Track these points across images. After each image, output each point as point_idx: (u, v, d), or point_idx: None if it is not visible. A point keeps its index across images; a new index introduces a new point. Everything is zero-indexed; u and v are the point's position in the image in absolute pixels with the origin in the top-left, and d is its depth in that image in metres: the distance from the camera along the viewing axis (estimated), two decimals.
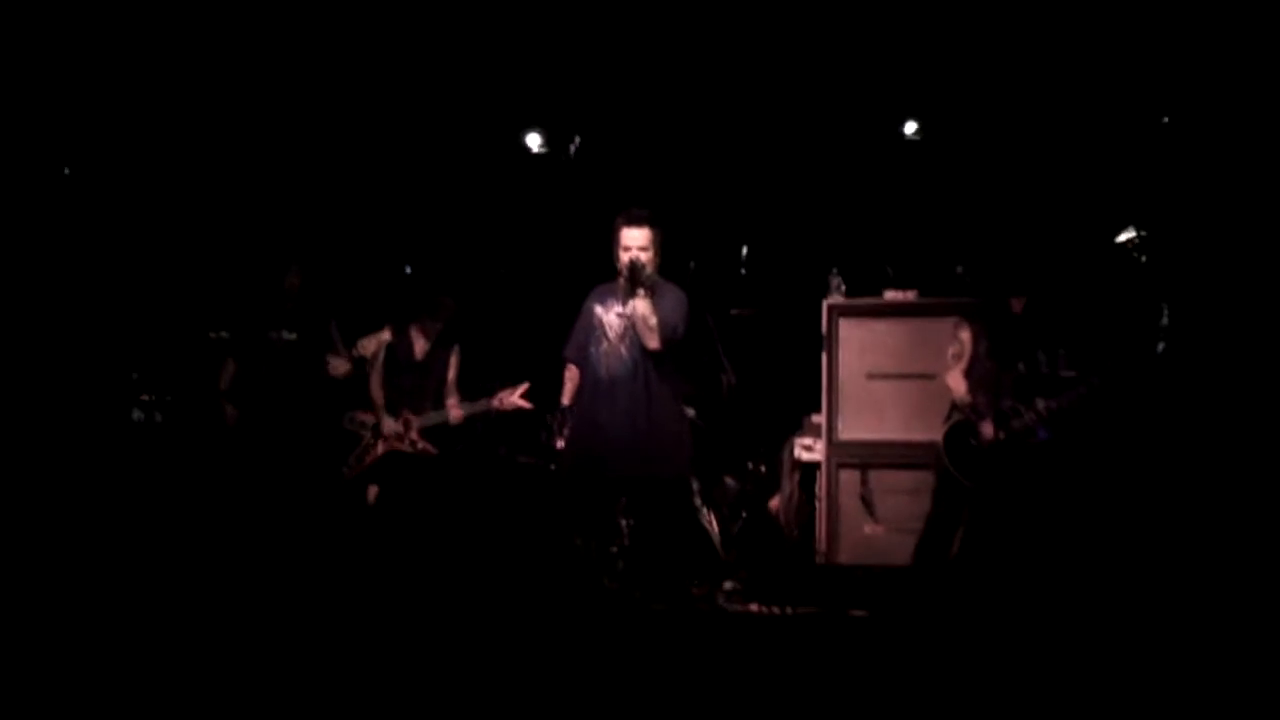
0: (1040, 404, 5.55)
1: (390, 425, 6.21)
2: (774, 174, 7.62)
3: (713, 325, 6.41)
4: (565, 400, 5.47)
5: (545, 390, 6.14)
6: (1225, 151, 6.68)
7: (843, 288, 6.62)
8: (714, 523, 6.44)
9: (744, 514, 6.66)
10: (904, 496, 6.21)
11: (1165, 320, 6.37)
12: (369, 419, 6.29)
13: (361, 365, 6.25)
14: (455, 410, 6.23)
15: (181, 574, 5.44)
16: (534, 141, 7.80)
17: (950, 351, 5.79)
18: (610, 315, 5.29)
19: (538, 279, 7.69)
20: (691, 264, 6.19)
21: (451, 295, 6.47)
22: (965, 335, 5.75)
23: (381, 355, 6.35)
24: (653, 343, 5.15)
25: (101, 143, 7.24)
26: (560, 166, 7.69)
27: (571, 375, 5.45)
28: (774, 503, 6.80)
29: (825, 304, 6.57)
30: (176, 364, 7.01)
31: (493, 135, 7.81)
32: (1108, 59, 6.71)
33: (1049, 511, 5.64)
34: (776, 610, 5.74)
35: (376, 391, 6.31)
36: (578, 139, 7.48)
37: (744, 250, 7.26)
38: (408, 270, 8.19)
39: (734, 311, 7.06)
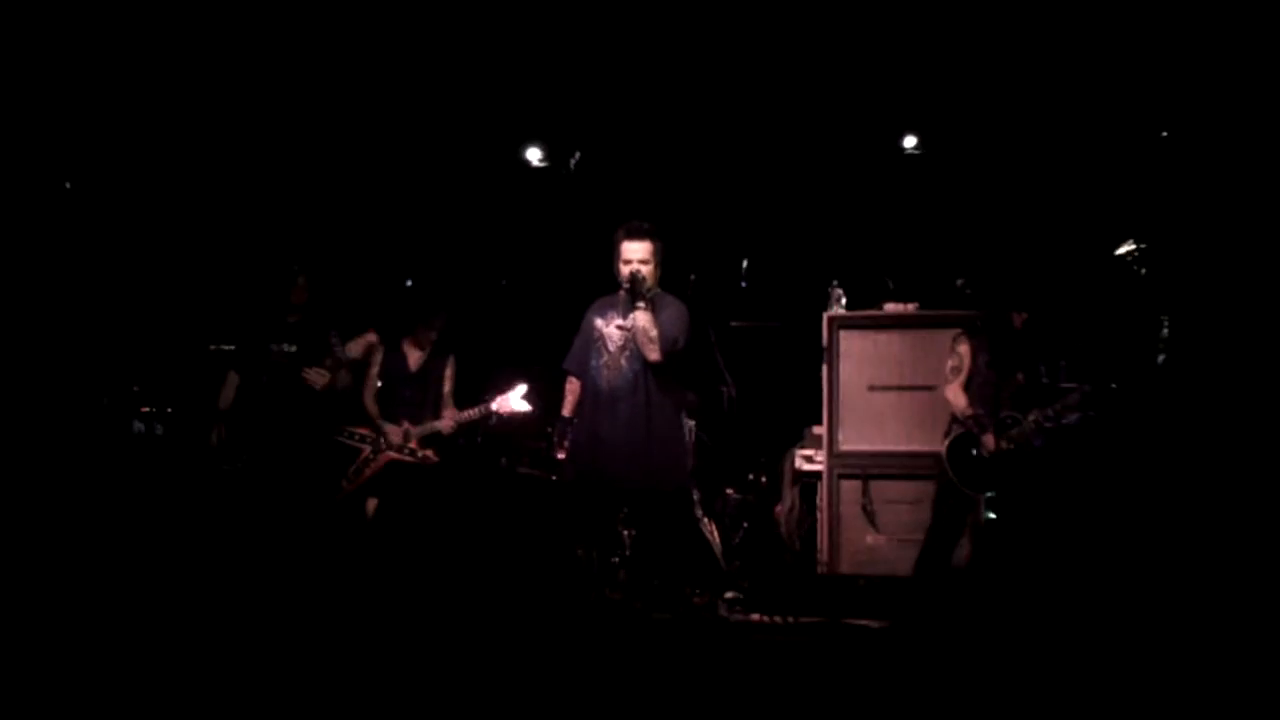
0: (1034, 413, 5.59)
1: (392, 434, 6.21)
2: (775, 187, 7.64)
3: (714, 337, 6.43)
4: (566, 412, 5.48)
5: (546, 402, 6.15)
6: (1224, 165, 6.70)
7: (843, 300, 6.65)
8: (715, 533, 6.45)
9: (745, 524, 6.66)
10: (905, 507, 6.24)
11: (1165, 332, 6.38)
12: (366, 432, 6.28)
13: (352, 370, 6.16)
14: (447, 420, 6.22)
15: (180, 585, 5.43)
16: (535, 155, 7.82)
17: (949, 365, 5.83)
18: (610, 328, 5.30)
19: (539, 292, 7.70)
20: (692, 277, 6.20)
21: (443, 306, 6.48)
22: (964, 349, 5.79)
23: (376, 368, 6.34)
24: (653, 355, 5.16)
25: (103, 157, 7.25)
26: (561, 180, 7.72)
27: (572, 388, 5.46)
28: (779, 509, 6.81)
29: (826, 316, 6.60)
30: (177, 377, 7.02)
31: (494, 149, 7.83)
32: (1106, 73, 6.74)
33: (1052, 521, 5.65)
34: (778, 620, 5.74)
35: (370, 404, 6.30)
36: (578, 154, 7.50)
37: (745, 263, 7.27)
38: (409, 284, 8.20)
39: (734, 324, 7.08)
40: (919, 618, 5.53)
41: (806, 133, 7.37)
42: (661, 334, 5.15)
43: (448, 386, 6.35)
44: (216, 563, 5.64)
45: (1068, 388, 5.69)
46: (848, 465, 6.44)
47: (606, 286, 5.42)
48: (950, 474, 5.67)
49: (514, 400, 6.19)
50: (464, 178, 7.90)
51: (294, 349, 5.92)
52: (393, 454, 6.21)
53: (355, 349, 6.09)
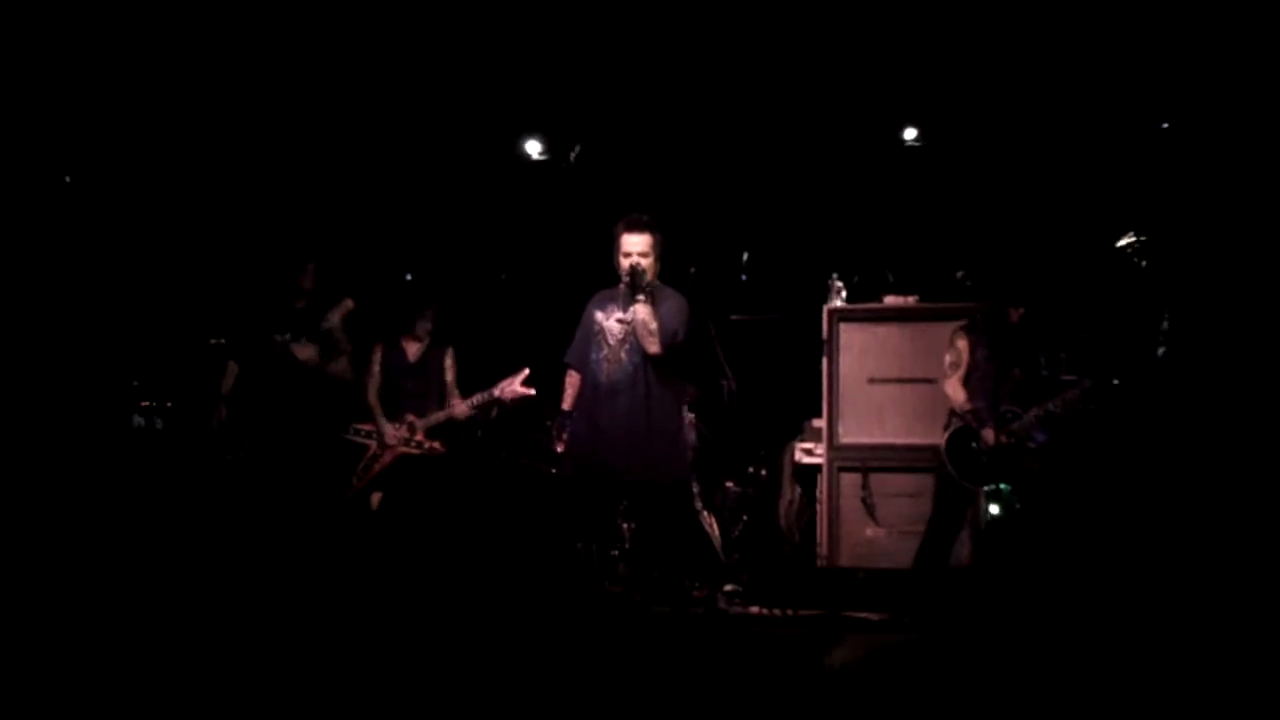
0: (1034, 408, 5.59)
1: (393, 431, 6.22)
2: (775, 180, 7.63)
3: (714, 330, 6.43)
4: (566, 405, 5.48)
5: (547, 395, 6.15)
6: (1225, 157, 6.70)
7: (843, 293, 6.65)
8: (715, 526, 6.45)
9: (745, 517, 6.67)
10: (904, 500, 6.24)
11: (1165, 325, 6.38)
12: (372, 428, 6.30)
13: (329, 342, 6.13)
14: (460, 405, 6.23)
15: (181, 580, 5.43)
16: (534, 148, 7.81)
17: (948, 360, 5.83)
18: (610, 321, 5.30)
19: (539, 285, 7.70)
20: (692, 269, 6.20)
21: (433, 297, 6.48)
22: (962, 344, 5.80)
23: (377, 365, 6.35)
24: (653, 348, 5.16)
25: (101, 152, 7.24)
26: (561, 173, 7.71)
27: (572, 381, 5.46)
28: (780, 502, 6.83)
29: (826, 309, 6.60)
30: (177, 371, 7.02)
31: (493, 142, 7.81)
32: (1106, 64, 6.72)
33: (1053, 514, 5.66)
34: (778, 613, 5.76)
35: (374, 399, 6.31)
36: (578, 146, 7.50)
37: (745, 256, 7.26)
38: (408, 278, 8.20)
39: (734, 317, 7.08)
40: (918, 611, 5.55)
41: (806, 125, 7.36)
42: (661, 327, 5.15)
43: (450, 376, 6.36)
44: (219, 558, 5.65)
45: (1068, 381, 5.70)
46: (847, 458, 6.44)
47: (607, 280, 5.41)
48: (949, 467, 5.67)
49: (519, 385, 6.18)
50: (463, 171, 7.88)
51: (295, 340, 5.92)
52: (400, 448, 6.23)
53: (334, 316, 6.06)
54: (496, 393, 6.15)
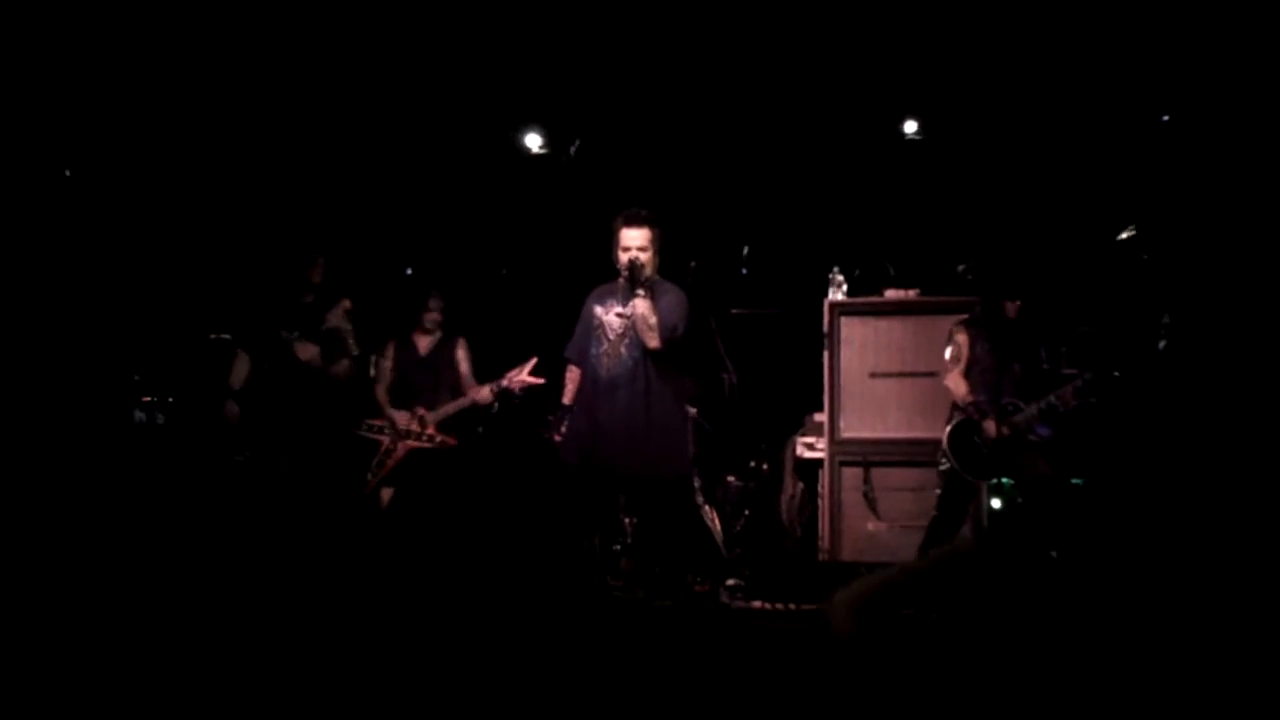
0: (1036, 401, 5.59)
1: (404, 421, 6.22)
2: (775, 173, 7.62)
3: (714, 325, 6.42)
4: (566, 400, 5.49)
5: (547, 390, 6.14)
6: (1225, 150, 6.69)
7: (844, 286, 6.64)
8: (716, 521, 6.45)
9: (746, 512, 6.66)
10: (906, 494, 6.24)
11: (1167, 318, 6.37)
12: (383, 423, 6.31)
13: (332, 342, 6.14)
14: (482, 390, 6.22)
15: (184, 576, 5.43)
16: (534, 142, 7.79)
17: (948, 354, 5.83)
18: (610, 316, 5.30)
19: (540, 279, 7.69)
20: (693, 263, 6.19)
21: (432, 286, 6.48)
22: (962, 338, 5.80)
23: (390, 361, 6.36)
24: (653, 342, 5.15)
25: (101, 146, 7.23)
26: (561, 166, 7.70)
27: (572, 376, 5.47)
28: (781, 497, 6.83)
29: (827, 303, 6.59)
30: (178, 365, 7.01)
31: (493, 136, 7.80)
32: (1106, 58, 6.71)
33: (1058, 507, 5.66)
34: (780, 607, 5.76)
35: (383, 396, 6.34)
36: (578, 141, 7.49)
37: (745, 249, 7.25)
38: (409, 271, 8.19)
39: (735, 311, 7.07)
40: (922, 605, 5.54)
41: (807, 119, 7.35)
42: (661, 321, 5.15)
43: (465, 368, 6.37)
44: (223, 556, 5.64)
45: (1069, 375, 5.69)
46: (849, 452, 6.44)
47: (607, 274, 5.41)
48: (951, 461, 5.67)
49: (527, 374, 6.18)
50: (463, 165, 7.87)
51: (298, 334, 5.90)
52: (412, 442, 6.23)
53: (333, 318, 6.05)
54: (505, 383, 6.15)
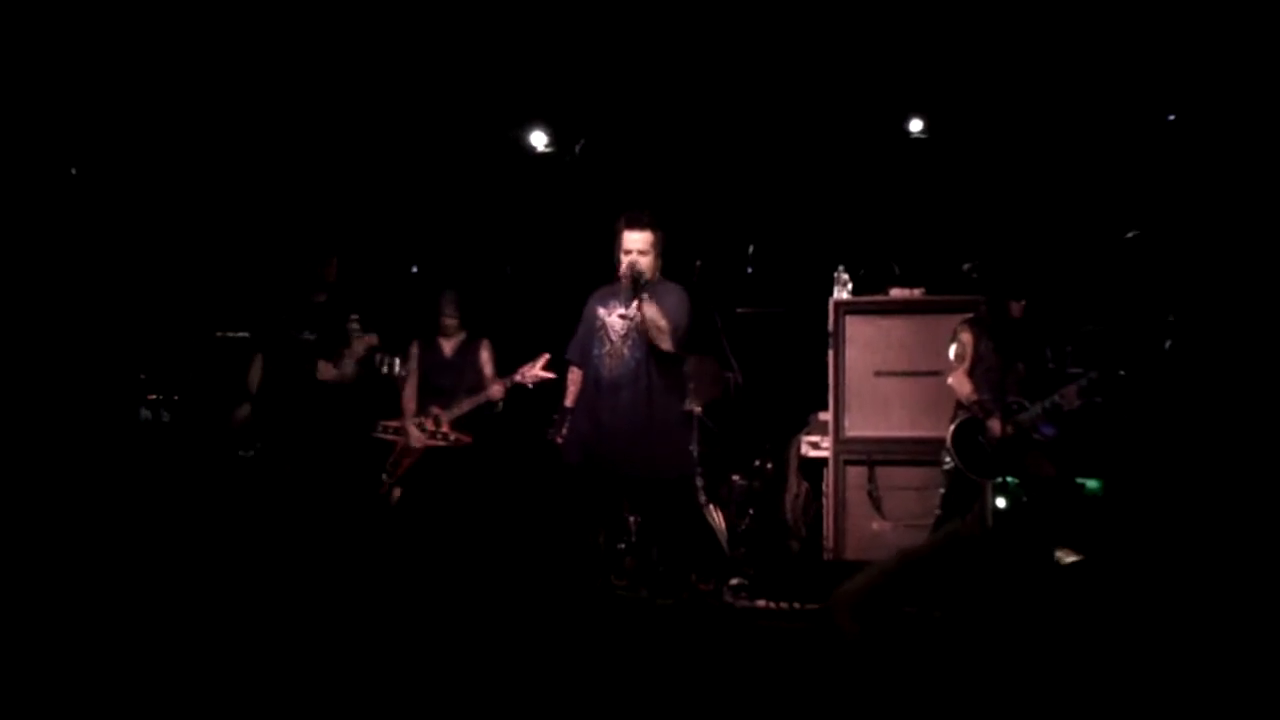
0: (1040, 400, 5.58)
1: (417, 433, 6.28)
2: (780, 172, 7.61)
3: (719, 323, 6.42)
4: (568, 402, 5.47)
5: (549, 391, 6.15)
6: (1231, 149, 6.67)
7: (849, 285, 6.63)
8: (721, 520, 6.45)
9: (751, 511, 6.66)
10: (910, 493, 6.24)
11: (1172, 317, 6.36)
12: (398, 424, 6.37)
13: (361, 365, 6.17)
14: (494, 387, 6.25)
15: (189, 575, 5.43)
16: (539, 141, 7.79)
17: (953, 353, 5.82)
18: (612, 317, 5.29)
19: (544, 279, 7.69)
20: (698, 262, 6.20)
21: (445, 287, 6.54)
22: (966, 337, 5.79)
23: (414, 361, 6.42)
24: (666, 344, 5.16)
25: (105, 145, 7.24)
26: (566, 165, 7.70)
27: (574, 377, 5.45)
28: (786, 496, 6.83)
29: (832, 302, 6.59)
30: (186, 364, 7.02)
31: (498, 135, 7.80)
32: (1111, 57, 6.70)
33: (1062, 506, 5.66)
34: (784, 606, 5.75)
35: (407, 401, 6.43)
36: (582, 140, 7.49)
37: (750, 249, 7.25)
38: (414, 270, 8.20)
39: (740, 310, 7.07)
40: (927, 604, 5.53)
41: (812, 118, 7.34)
42: (671, 323, 5.15)
43: (489, 369, 6.46)
44: (228, 554, 5.65)
45: (1074, 374, 5.68)
46: (853, 451, 6.44)
47: (610, 274, 5.40)
48: (955, 460, 5.67)
49: (539, 369, 6.19)
50: (468, 164, 7.88)
51: (314, 336, 5.90)
52: (429, 441, 6.27)
53: (358, 348, 6.06)
54: (518, 378, 6.17)
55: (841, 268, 6.66)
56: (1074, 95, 6.97)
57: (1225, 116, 6.67)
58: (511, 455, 6.70)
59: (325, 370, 5.85)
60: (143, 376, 6.97)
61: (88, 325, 6.96)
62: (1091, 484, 5.88)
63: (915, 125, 7.40)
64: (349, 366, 5.89)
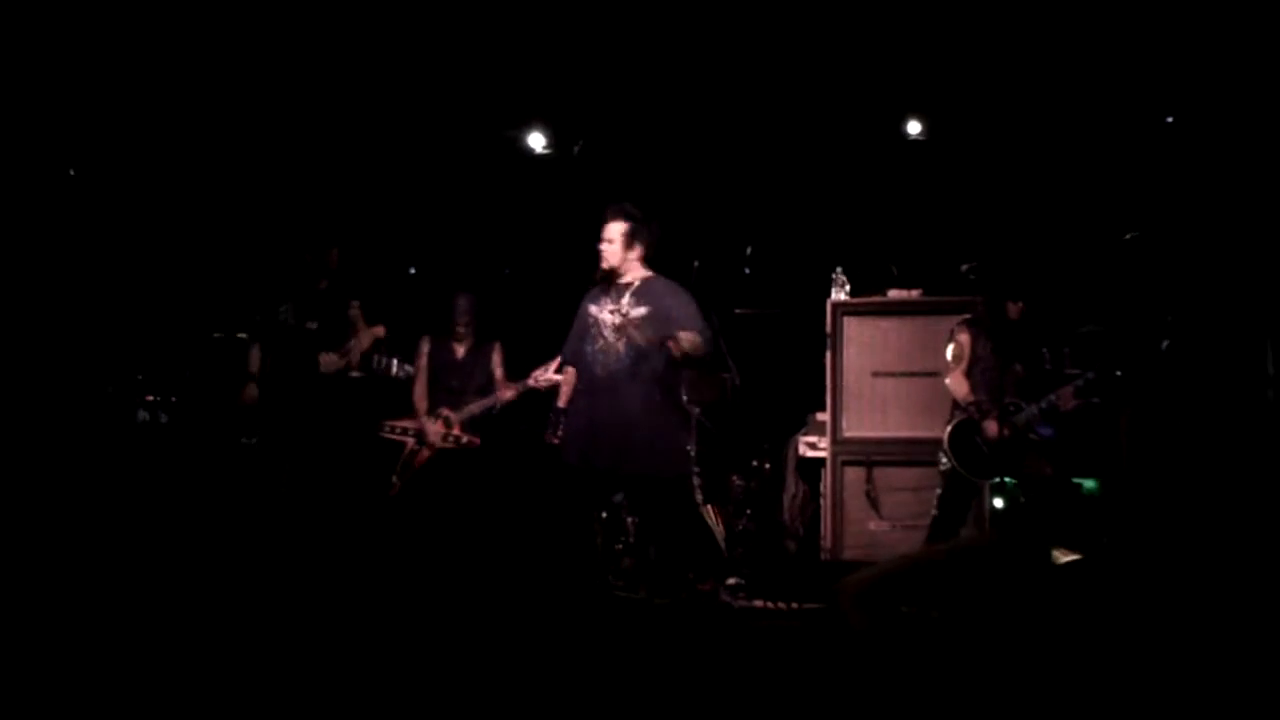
0: (1037, 401, 5.59)
1: (433, 429, 6.28)
2: (778, 173, 7.62)
3: (717, 324, 6.42)
4: (561, 403, 5.43)
5: (550, 393, 6.15)
6: (1230, 150, 6.68)
7: (847, 286, 6.64)
8: (718, 520, 6.44)
9: (749, 511, 6.67)
10: (908, 493, 6.24)
11: (1171, 318, 6.37)
12: (409, 425, 6.35)
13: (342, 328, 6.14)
14: (505, 391, 6.27)
15: (188, 576, 5.43)
16: (538, 142, 7.80)
17: (950, 353, 5.83)
18: (605, 313, 5.24)
19: (543, 280, 7.69)
20: (696, 263, 6.20)
21: (457, 290, 6.53)
22: (963, 338, 5.79)
23: (424, 359, 6.43)
24: (701, 350, 5.15)
25: (103, 146, 7.24)
26: (564, 166, 7.70)
27: (568, 378, 5.41)
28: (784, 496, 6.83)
29: (830, 303, 6.59)
30: (183, 363, 7.02)
31: (496, 135, 7.81)
32: (1109, 59, 6.71)
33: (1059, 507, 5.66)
34: (781, 606, 5.76)
35: (419, 398, 6.41)
36: (580, 142, 7.49)
37: (748, 249, 7.26)
38: (411, 271, 8.20)
39: (738, 310, 7.07)
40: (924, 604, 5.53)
41: (810, 118, 7.35)
42: (693, 330, 5.12)
43: (499, 372, 6.47)
44: (227, 552, 5.65)
45: (1071, 375, 5.69)
46: (851, 451, 6.44)
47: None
48: (951, 460, 5.67)
49: (552, 373, 6.19)
50: (466, 164, 7.88)
51: (315, 325, 5.89)
52: (442, 442, 6.27)
53: (365, 341, 6.06)
54: (531, 382, 6.16)
55: (839, 268, 6.67)
56: (1072, 97, 6.98)
57: (1223, 118, 6.68)
58: (510, 455, 6.70)
59: (328, 362, 5.84)
60: (140, 377, 6.97)
61: (85, 325, 6.95)
62: (1088, 484, 5.89)
63: (913, 127, 7.40)
64: (355, 357, 5.88)
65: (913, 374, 6.41)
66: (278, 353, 5.84)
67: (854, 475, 6.41)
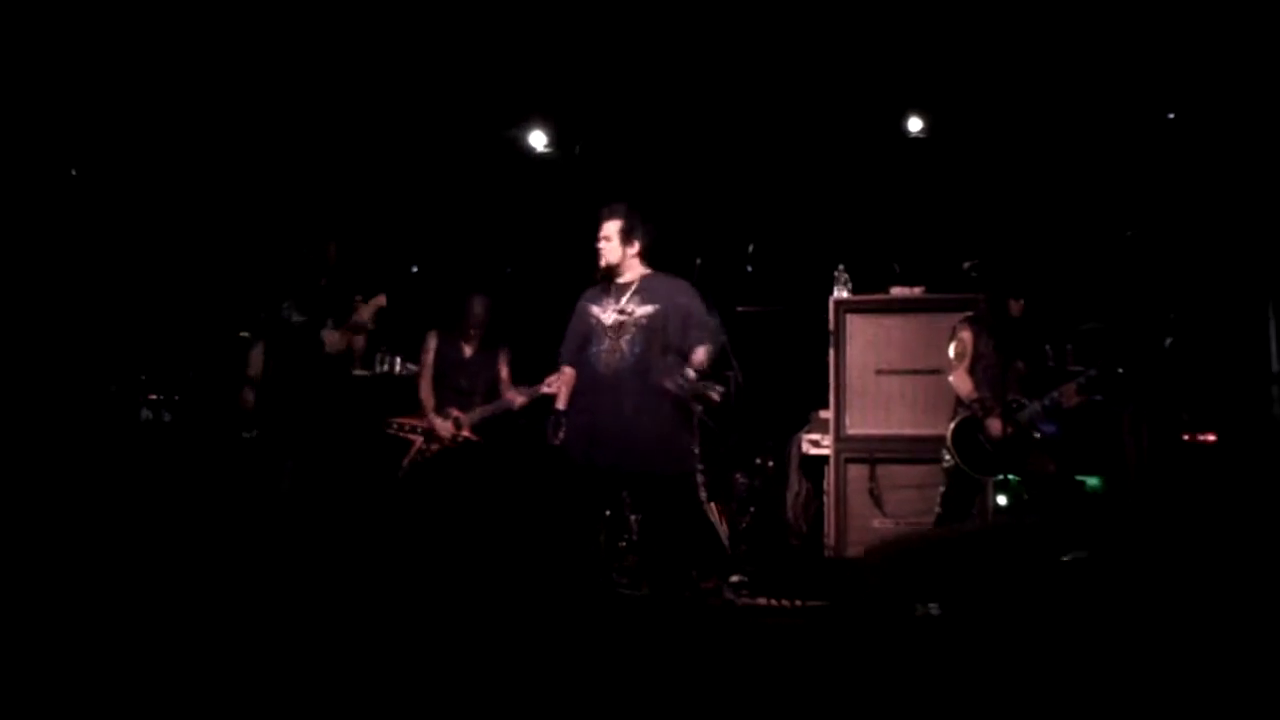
0: (1040, 398, 5.59)
1: (442, 426, 6.28)
2: (780, 170, 7.62)
3: (720, 322, 6.41)
4: (561, 405, 5.36)
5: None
6: (1232, 147, 6.68)
7: (849, 284, 6.64)
8: (722, 518, 6.46)
9: (752, 509, 6.67)
10: (911, 491, 6.25)
11: (1173, 315, 6.37)
12: (418, 423, 6.35)
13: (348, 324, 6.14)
14: (518, 397, 6.30)
15: (189, 574, 5.44)
16: (539, 141, 7.79)
17: (953, 351, 5.82)
18: (609, 314, 5.24)
19: (544, 279, 7.69)
20: (698, 261, 6.20)
21: (474, 291, 6.53)
22: (965, 335, 5.79)
23: (431, 354, 6.43)
24: (713, 359, 5.18)
25: (105, 146, 7.25)
26: (566, 165, 7.70)
27: (566, 379, 5.39)
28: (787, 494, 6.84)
29: (832, 300, 6.60)
30: (186, 362, 7.03)
31: (497, 134, 7.80)
32: (1112, 54, 6.70)
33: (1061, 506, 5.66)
34: (785, 604, 5.76)
35: (426, 395, 6.39)
36: (581, 143, 7.50)
37: (750, 247, 7.26)
38: (414, 270, 8.20)
39: (740, 308, 7.07)
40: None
41: (812, 116, 7.34)
42: (708, 332, 5.14)
43: (505, 374, 6.47)
44: (228, 549, 5.65)
45: (1074, 372, 5.69)
46: (854, 449, 6.45)
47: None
48: (955, 457, 5.67)
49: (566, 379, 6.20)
50: (467, 164, 7.88)
51: (318, 320, 5.89)
52: (448, 442, 6.28)
53: (365, 312, 6.06)
54: (544, 388, 6.17)
55: (842, 266, 6.67)
56: (1074, 94, 6.98)
57: (1225, 115, 6.68)
58: (512, 453, 6.71)
59: (333, 341, 5.82)
60: (143, 376, 6.98)
61: (88, 324, 6.96)
62: (1092, 481, 5.89)
63: (915, 124, 7.40)
64: (359, 331, 5.87)
65: (916, 371, 6.41)
66: (281, 351, 5.84)
67: (857, 473, 6.42)
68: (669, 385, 5.00)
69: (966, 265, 6.52)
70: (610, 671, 4.01)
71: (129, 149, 7.34)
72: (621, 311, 5.19)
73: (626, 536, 6.15)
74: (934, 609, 5.18)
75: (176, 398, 6.98)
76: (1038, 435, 5.64)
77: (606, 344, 5.20)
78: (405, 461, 6.31)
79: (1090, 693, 3.72)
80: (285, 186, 7.67)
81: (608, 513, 6.10)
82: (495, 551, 5.98)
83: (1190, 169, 6.81)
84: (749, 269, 7.28)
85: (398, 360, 7.44)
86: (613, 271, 5.20)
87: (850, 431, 6.47)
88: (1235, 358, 6.46)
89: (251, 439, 5.84)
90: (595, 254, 5.25)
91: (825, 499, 6.53)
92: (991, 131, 7.31)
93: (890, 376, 6.48)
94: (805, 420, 6.85)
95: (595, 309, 5.26)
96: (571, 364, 5.33)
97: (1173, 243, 6.70)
